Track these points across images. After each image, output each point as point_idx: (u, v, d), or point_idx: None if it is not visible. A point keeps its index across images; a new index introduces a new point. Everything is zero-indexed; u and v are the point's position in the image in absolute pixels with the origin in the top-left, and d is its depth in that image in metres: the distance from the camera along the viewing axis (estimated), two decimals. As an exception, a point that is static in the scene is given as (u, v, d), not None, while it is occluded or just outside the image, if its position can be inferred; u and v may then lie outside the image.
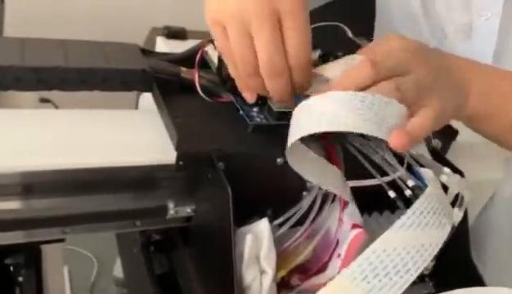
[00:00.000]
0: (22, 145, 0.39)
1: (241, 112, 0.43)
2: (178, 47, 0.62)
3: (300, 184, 0.45)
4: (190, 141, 0.40)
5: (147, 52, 0.49)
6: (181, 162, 0.39)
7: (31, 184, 0.39)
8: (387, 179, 0.44)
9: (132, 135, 0.43)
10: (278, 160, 0.43)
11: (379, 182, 0.44)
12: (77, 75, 0.42)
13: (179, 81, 0.46)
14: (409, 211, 0.31)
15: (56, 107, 0.89)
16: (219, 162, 0.40)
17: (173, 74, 0.46)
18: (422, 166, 0.43)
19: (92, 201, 0.41)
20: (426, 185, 0.40)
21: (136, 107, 0.59)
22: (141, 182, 0.42)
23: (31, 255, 0.42)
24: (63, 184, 0.40)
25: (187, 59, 0.49)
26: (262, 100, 0.43)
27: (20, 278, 0.42)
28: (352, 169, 0.44)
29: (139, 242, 0.48)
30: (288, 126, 0.43)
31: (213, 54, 0.47)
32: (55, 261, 0.46)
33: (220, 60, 0.45)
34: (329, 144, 0.45)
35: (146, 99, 0.49)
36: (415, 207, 0.31)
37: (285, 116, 0.42)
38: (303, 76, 0.38)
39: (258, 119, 0.42)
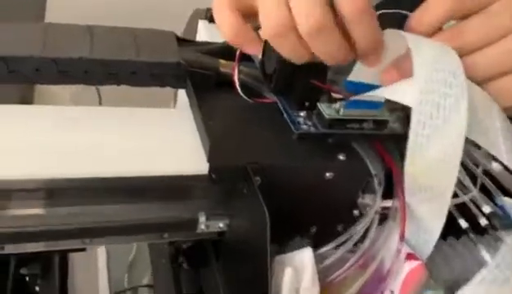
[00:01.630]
0: (46, 149, 0.35)
1: (286, 116, 0.37)
2: (221, 33, 0.55)
3: (350, 201, 0.39)
4: (224, 152, 0.34)
5: (184, 41, 0.43)
6: (213, 176, 0.34)
7: (54, 192, 0.35)
8: (456, 201, 0.38)
9: (163, 139, 0.38)
10: (327, 174, 0.37)
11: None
12: (101, 67, 0.37)
13: (217, 76, 0.41)
14: (492, 264, 0.25)
15: (100, 97, 0.85)
16: (256, 176, 0.34)
17: (211, 68, 0.40)
18: (504, 190, 0.36)
19: (117, 211, 0.37)
20: (508, 216, 0.33)
21: (175, 102, 0.54)
22: (171, 193, 0.37)
23: (48, 264, 0.38)
24: (87, 192, 0.36)
25: (228, 50, 0.43)
26: (311, 104, 0.37)
27: (37, 288, 0.39)
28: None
29: (167, 253, 0.44)
30: (340, 135, 0.37)
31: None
32: (82, 269, 0.42)
33: (264, 53, 0.39)
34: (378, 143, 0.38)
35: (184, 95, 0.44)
36: (500, 258, 0.25)
37: (338, 124, 0.36)
38: (364, 30, 0.31)
39: (305, 126, 0.36)
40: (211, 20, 0.58)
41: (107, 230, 0.36)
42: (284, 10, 0.30)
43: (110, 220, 0.36)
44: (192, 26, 0.59)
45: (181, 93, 0.48)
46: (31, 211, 0.35)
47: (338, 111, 0.36)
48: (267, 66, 0.38)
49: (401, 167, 0.38)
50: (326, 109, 0.36)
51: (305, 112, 0.37)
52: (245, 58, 0.41)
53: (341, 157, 0.37)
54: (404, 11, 0.41)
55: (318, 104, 0.36)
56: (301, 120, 0.36)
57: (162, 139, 0.37)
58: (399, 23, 0.35)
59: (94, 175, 0.34)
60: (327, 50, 0.31)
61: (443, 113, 0.28)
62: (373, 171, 0.37)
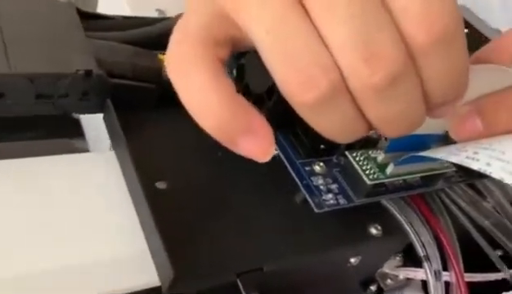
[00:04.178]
0: None
1: (294, 176, 0.21)
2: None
3: (370, 279, 0.26)
4: (194, 262, 0.18)
5: (92, 19, 0.25)
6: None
7: None
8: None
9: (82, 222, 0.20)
10: (352, 260, 0.23)
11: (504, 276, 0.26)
12: None
13: (159, 88, 0.23)
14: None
15: None
16: (253, 292, 0.19)
17: (148, 76, 0.23)
18: None
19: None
20: None
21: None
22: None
23: None
24: None
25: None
26: (329, 147, 0.22)
27: None
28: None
29: None
30: (378, 203, 0.23)
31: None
32: None
33: (248, 59, 0.22)
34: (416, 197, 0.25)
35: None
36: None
37: (382, 189, 0.22)
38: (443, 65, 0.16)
39: (330, 197, 0.21)
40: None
41: None
42: (325, 54, 0.15)
43: None
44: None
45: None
46: None
47: (382, 168, 0.21)
48: (253, 81, 0.22)
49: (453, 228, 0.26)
50: (365, 165, 0.21)
51: (322, 164, 0.22)
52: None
53: (374, 230, 0.23)
54: None
55: (347, 152, 0.21)
56: (320, 183, 0.21)
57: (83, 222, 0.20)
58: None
59: None
60: (403, 110, 0.16)
61: None
62: (417, 244, 0.24)
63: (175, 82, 0.16)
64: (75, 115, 0.47)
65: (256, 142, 0.16)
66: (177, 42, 0.17)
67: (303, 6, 0.15)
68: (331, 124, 0.16)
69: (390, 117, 0.16)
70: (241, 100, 0.16)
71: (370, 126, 0.16)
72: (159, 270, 0.18)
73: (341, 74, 0.15)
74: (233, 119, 0.16)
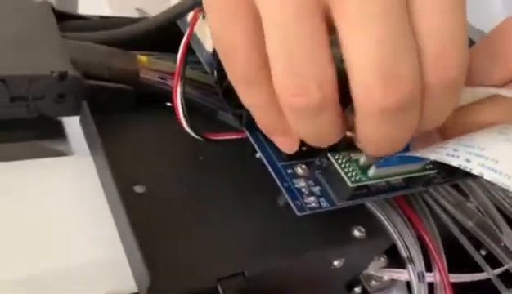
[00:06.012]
0: None
1: (275, 178, 0.21)
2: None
3: (354, 281, 0.26)
4: (173, 267, 0.18)
5: (67, 19, 0.24)
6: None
7: None
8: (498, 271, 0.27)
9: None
10: (335, 263, 0.22)
11: (487, 276, 0.26)
12: None
13: (136, 89, 0.23)
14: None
15: None
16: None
17: (125, 77, 0.22)
18: None
19: None
20: None
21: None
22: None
23: None
24: None
25: (149, 30, 0.25)
26: (310, 148, 0.22)
27: None
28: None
29: None
30: (361, 205, 0.23)
31: (204, 36, 0.23)
32: None
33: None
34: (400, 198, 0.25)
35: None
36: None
37: (365, 191, 0.21)
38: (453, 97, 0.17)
39: (312, 200, 0.20)
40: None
41: None
42: (328, 66, 0.15)
43: None
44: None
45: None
46: None
47: (364, 170, 0.21)
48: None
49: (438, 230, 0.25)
50: (347, 167, 0.20)
51: (305, 165, 0.22)
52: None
53: (357, 232, 0.23)
54: None
55: (330, 154, 0.21)
56: (302, 185, 0.21)
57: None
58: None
59: None
60: (394, 136, 0.17)
61: None
62: (400, 246, 0.24)
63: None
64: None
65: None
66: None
67: (326, 11, 0.14)
68: (308, 130, 0.16)
69: (380, 138, 0.16)
70: None
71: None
72: (135, 276, 0.18)
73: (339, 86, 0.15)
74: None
